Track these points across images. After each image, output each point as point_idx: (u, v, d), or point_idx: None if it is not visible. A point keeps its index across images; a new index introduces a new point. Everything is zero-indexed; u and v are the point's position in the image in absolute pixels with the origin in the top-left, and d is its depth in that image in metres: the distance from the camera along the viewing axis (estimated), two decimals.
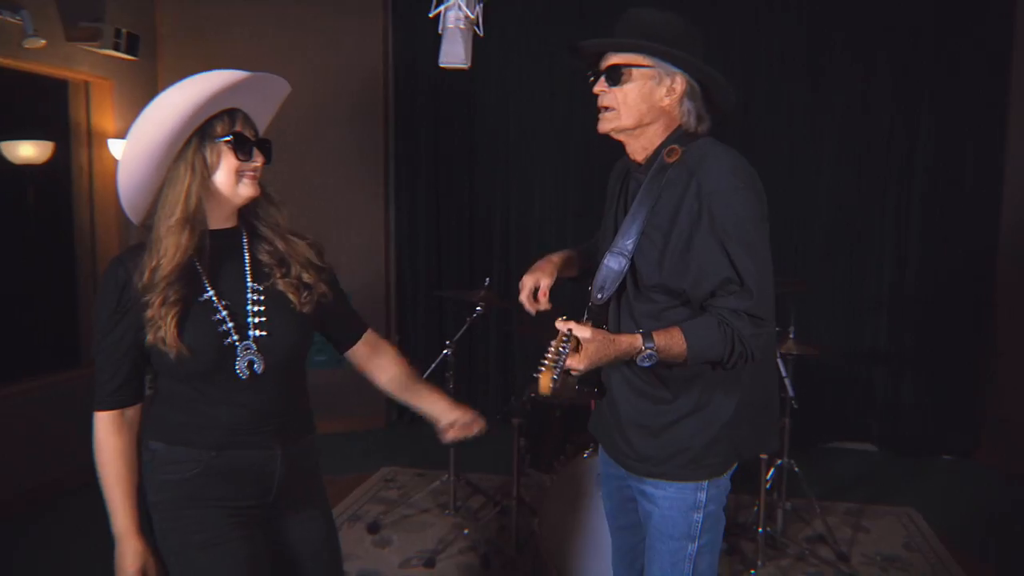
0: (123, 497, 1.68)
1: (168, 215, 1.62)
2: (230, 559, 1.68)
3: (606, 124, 1.86)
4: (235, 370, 1.68)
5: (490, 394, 5.44)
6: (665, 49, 1.78)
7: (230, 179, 1.66)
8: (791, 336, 3.52)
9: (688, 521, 1.86)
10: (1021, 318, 4.63)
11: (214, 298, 1.68)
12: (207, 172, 1.64)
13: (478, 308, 3.67)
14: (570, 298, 1.99)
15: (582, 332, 1.62)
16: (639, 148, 1.88)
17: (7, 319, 4.40)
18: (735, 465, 1.91)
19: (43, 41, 3.97)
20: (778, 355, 3.33)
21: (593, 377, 1.95)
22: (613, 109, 1.83)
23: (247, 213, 1.78)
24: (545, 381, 1.52)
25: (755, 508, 3.49)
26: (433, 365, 3.69)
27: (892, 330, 5.00)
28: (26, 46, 3.92)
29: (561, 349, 1.55)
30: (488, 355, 5.49)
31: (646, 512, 1.92)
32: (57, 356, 4.65)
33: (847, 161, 4.91)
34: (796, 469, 3.67)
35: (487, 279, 3.81)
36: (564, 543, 2.93)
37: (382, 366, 1.98)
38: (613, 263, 1.83)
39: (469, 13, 1.49)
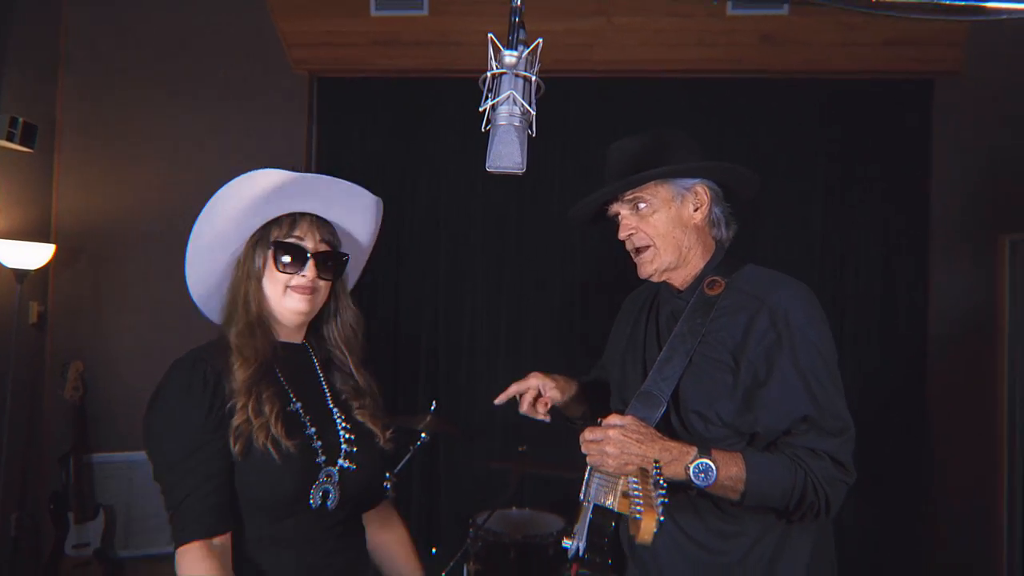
0: None
1: (235, 321, 1.44)
2: None
3: (647, 267, 1.65)
4: (308, 499, 1.39)
5: (442, 532, 4.82)
6: (682, 167, 1.61)
7: (276, 290, 1.47)
8: None
9: None
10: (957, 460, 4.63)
11: (301, 411, 1.45)
12: (259, 278, 1.46)
13: (423, 436, 3.30)
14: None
15: (617, 419, 1.42)
16: (681, 279, 1.68)
17: None
18: None
19: None
20: None
21: (599, 542, 1.55)
22: (650, 247, 1.62)
23: (316, 329, 1.59)
24: (649, 524, 1.21)
25: None
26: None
27: None
28: None
29: (657, 481, 1.28)
30: (434, 487, 4.84)
31: None
32: None
33: None
34: None
35: (433, 403, 3.44)
36: None
37: (391, 531, 1.73)
38: (643, 411, 1.52)
39: (529, 108, 1.23)
